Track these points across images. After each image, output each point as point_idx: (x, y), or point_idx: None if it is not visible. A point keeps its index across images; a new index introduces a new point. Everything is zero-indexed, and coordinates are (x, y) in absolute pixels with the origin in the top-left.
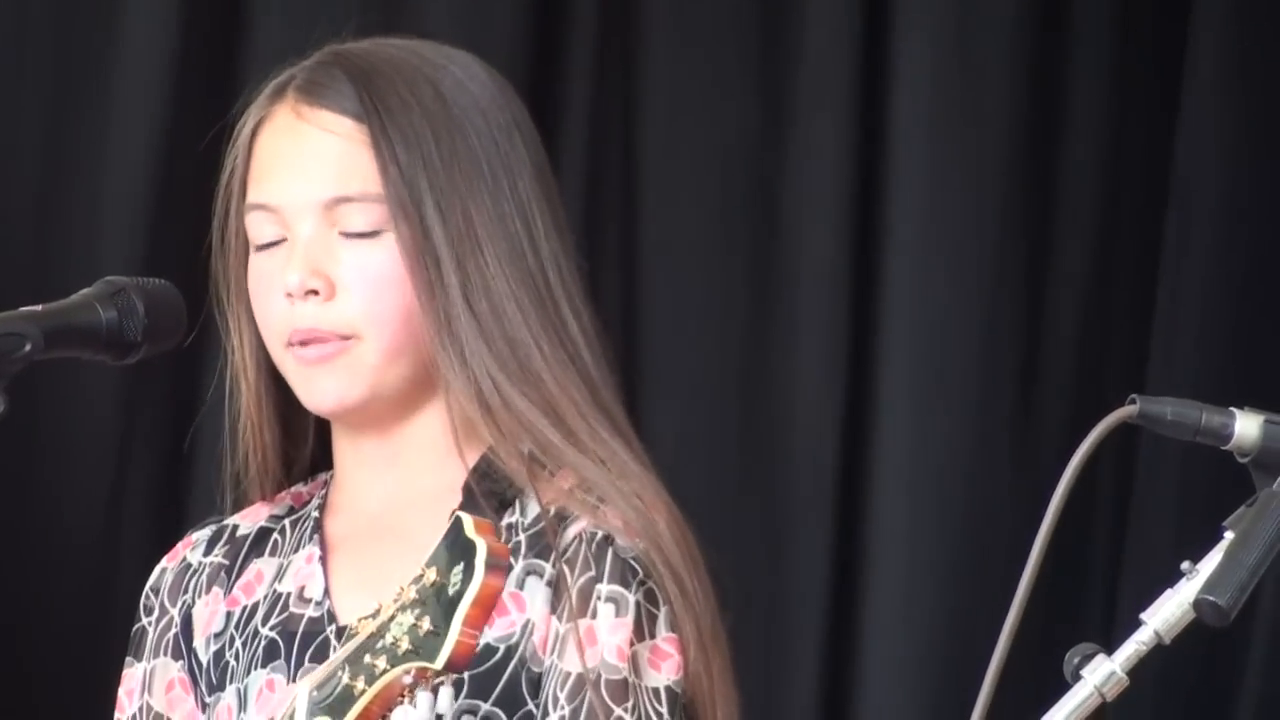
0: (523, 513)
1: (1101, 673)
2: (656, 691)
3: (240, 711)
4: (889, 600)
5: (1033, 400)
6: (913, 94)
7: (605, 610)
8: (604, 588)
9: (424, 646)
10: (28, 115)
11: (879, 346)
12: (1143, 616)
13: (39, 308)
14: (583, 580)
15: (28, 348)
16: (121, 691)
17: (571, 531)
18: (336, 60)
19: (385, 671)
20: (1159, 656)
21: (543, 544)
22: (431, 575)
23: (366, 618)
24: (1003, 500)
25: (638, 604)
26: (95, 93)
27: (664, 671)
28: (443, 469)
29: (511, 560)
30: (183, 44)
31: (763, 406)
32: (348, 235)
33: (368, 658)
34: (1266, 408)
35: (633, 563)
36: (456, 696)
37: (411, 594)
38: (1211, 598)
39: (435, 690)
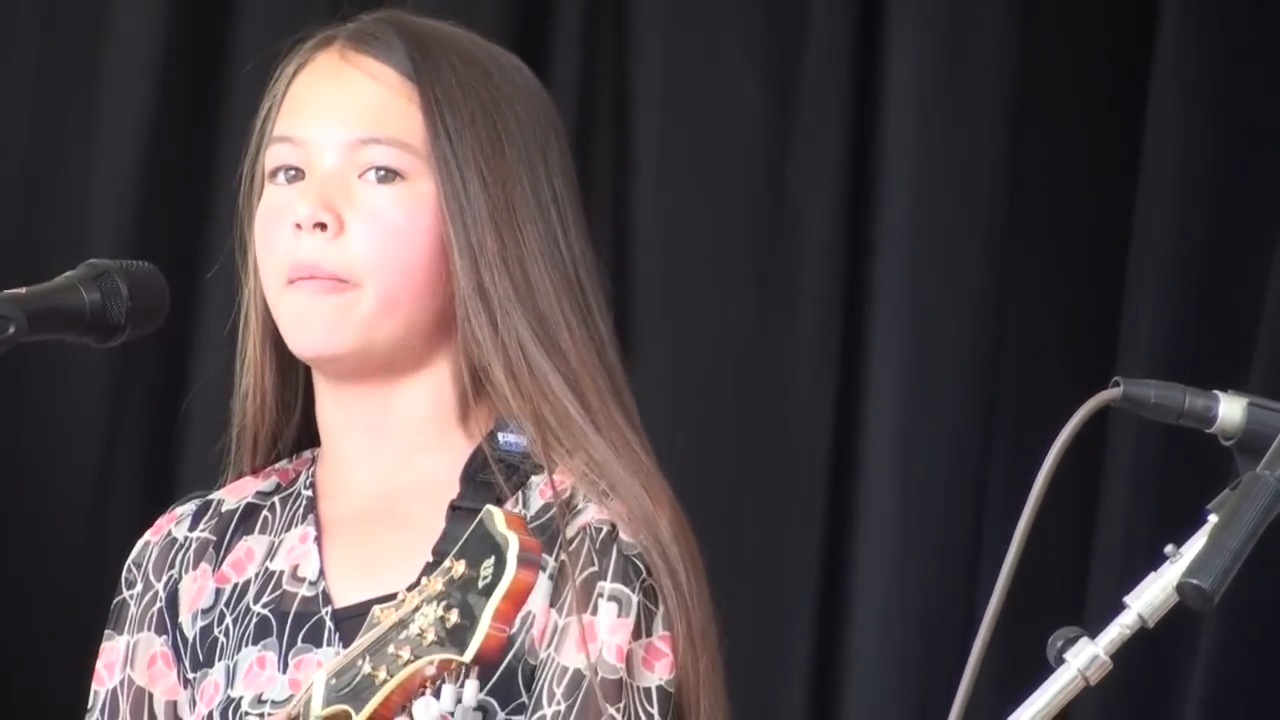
0: (525, 505)
1: (1085, 656)
2: (649, 692)
3: (228, 687)
4: (878, 582)
5: (1025, 380)
6: (906, 78)
7: (607, 609)
8: (607, 585)
9: (451, 638)
10: (15, 99)
11: (872, 328)
12: (1126, 599)
13: (22, 290)
14: (585, 575)
15: (11, 330)
16: (100, 664)
17: (576, 524)
18: (390, 19)
19: (409, 662)
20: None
21: (545, 537)
22: (460, 568)
23: (388, 607)
24: (993, 481)
25: (639, 603)
26: (83, 76)
27: (657, 671)
28: (439, 452)
29: (544, 556)
30: (171, 28)
31: (758, 389)
32: (367, 180)
33: (391, 648)
34: (1234, 388)
35: (635, 560)
36: (482, 689)
37: (438, 586)
38: (1195, 581)
39: (462, 683)
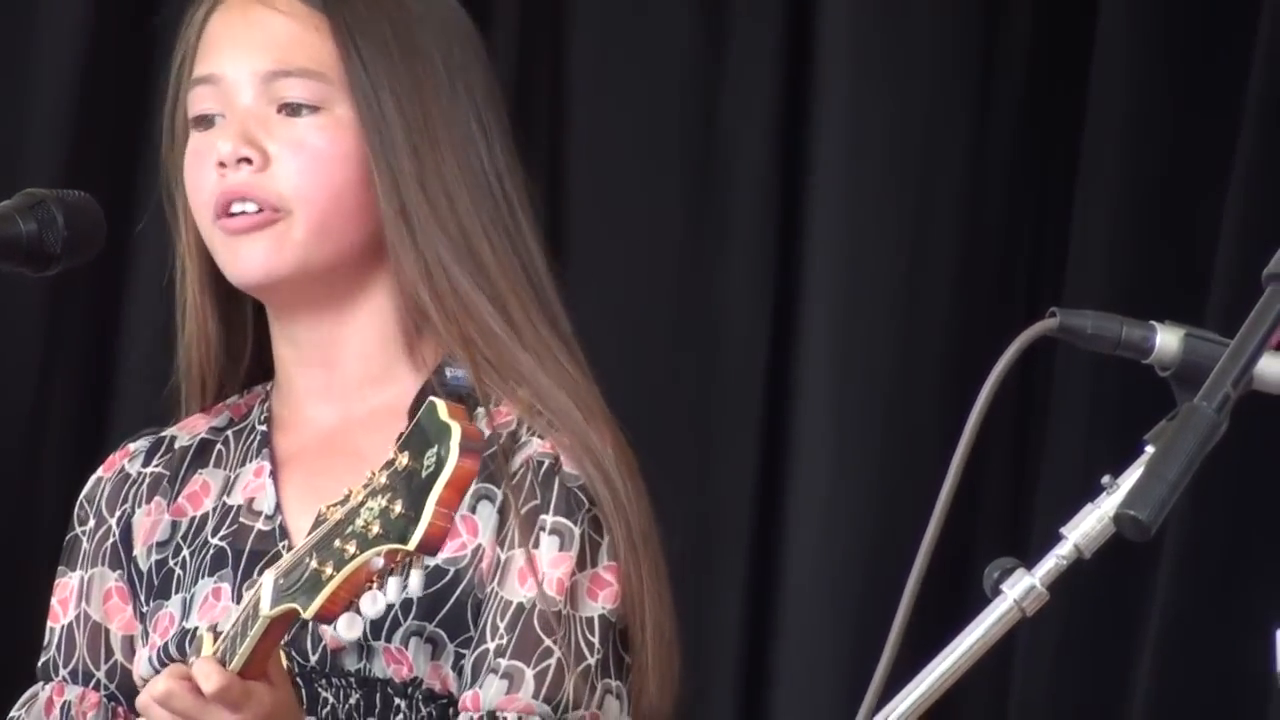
0: None
1: (1021, 587)
2: (590, 621)
3: (183, 619)
4: (814, 515)
5: (960, 306)
6: (839, 6)
7: (549, 542)
8: (549, 519)
9: (395, 529)
10: None
11: (806, 259)
12: (1063, 530)
13: None
14: (527, 509)
15: None
16: (55, 601)
17: (519, 458)
18: None
19: (355, 556)
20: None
21: (494, 468)
22: (404, 460)
23: (335, 504)
24: (929, 407)
25: (582, 535)
26: (19, 7)
27: (600, 600)
28: (390, 385)
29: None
30: None
31: (691, 320)
32: (286, 112)
33: (337, 543)
34: (1179, 319)
35: (578, 492)
36: (432, 622)
37: (382, 479)
38: (1132, 512)
39: (407, 574)
